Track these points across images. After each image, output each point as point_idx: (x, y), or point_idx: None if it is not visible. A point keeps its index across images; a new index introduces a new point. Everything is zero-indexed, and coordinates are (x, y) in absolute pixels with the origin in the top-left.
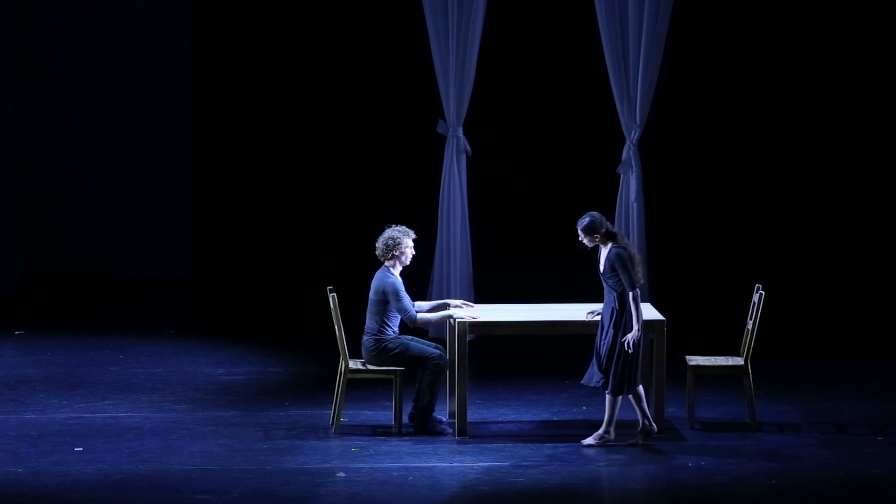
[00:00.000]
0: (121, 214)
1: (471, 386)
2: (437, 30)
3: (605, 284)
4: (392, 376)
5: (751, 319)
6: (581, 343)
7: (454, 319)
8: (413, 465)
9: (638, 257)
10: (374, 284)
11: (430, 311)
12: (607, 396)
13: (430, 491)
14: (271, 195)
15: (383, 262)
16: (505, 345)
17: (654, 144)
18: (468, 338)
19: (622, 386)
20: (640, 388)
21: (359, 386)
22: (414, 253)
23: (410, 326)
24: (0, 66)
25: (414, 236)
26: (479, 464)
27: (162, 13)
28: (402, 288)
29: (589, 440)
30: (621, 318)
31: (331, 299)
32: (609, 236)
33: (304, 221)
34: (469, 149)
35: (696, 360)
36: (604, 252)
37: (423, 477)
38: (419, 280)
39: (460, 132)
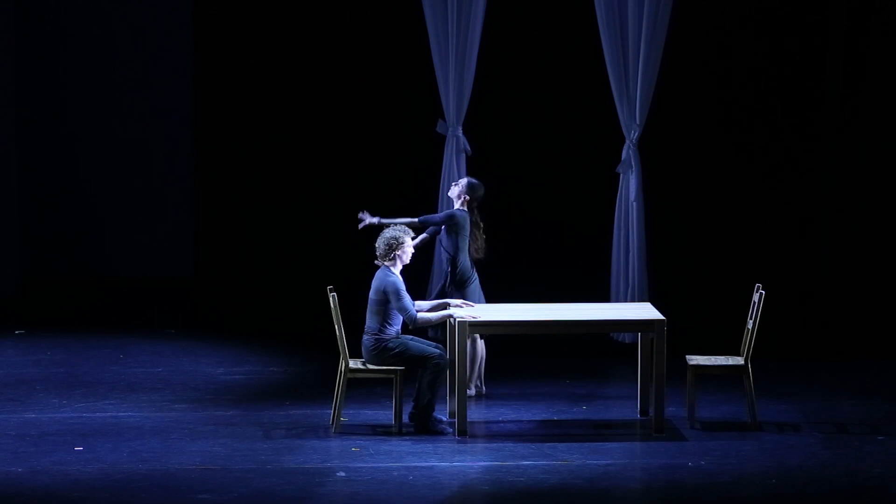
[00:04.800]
0: (121, 214)
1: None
2: (437, 30)
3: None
4: (392, 376)
5: (751, 319)
6: (581, 343)
7: (454, 319)
8: (413, 464)
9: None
10: (374, 284)
11: (430, 310)
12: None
13: (430, 491)
14: (271, 195)
15: (384, 262)
16: (505, 345)
17: (654, 144)
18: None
19: None
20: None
21: (359, 386)
22: (414, 252)
23: (410, 326)
24: (0, 67)
25: (413, 235)
26: (479, 463)
27: (162, 13)
28: (402, 287)
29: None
30: (450, 280)
31: (331, 299)
32: (469, 202)
33: (303, 221)
34: (469, 148)
35: (696, 360)
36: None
37: (423, 477)
38: (419, 280)
39: (460, 132)
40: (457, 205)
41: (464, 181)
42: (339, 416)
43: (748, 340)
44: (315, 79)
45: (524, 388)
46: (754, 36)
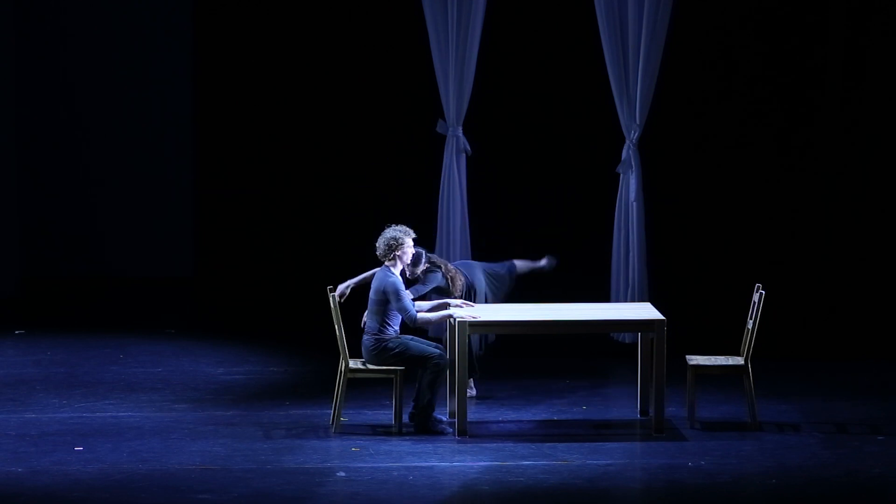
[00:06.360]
0: (121, 214)
1: None
2: (437, 30)
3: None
4: (392, 376)
5: (751, 319)
6: (581, 343)
7: (454, 319)
8: (413, 464)
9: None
10: (374, 284)
11: (430, 310)
12: None
13: (430, 491)
14: (271, 195)
15: (384, 262)
16: (505, 345)
17: (654, 144)
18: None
19: None
20: None
21: (359, 386)
22: (414, 252)
23: (410, 326)
24: (0, 67)
25: (414, 236)
26: (479, 463)
27: (162, 13)
28: (402, 287)
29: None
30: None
31: (331, 299)
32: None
33: (304, 221)
34: (469, 148)
35: (696, 360)
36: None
37: (423, 477)
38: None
39: (460, 132)
40: (420, 269)
41: (412, 257)
42: (339, 416)
43: (748, 340)
44: (315, 79)
45: (524, 388)
46: (754, 36)
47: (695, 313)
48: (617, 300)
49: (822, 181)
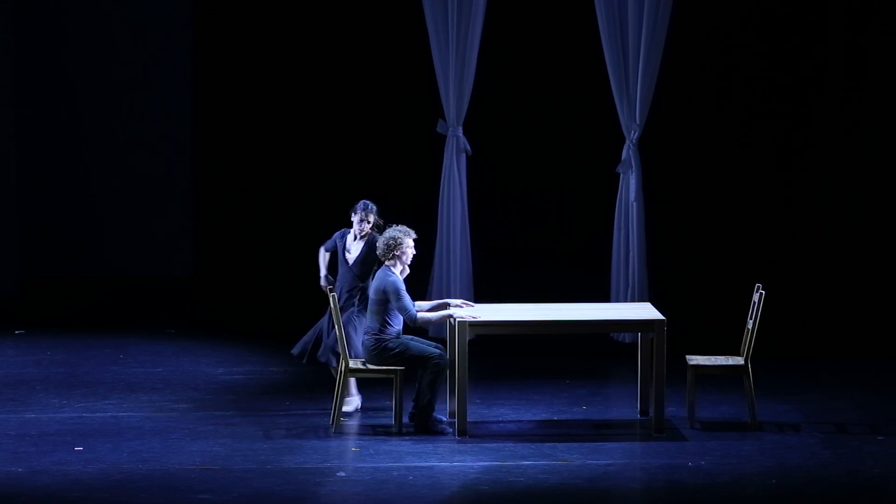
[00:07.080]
0: (121, 214)
1: (471, 386)
2: (437, 30)
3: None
4: (392, 376)
5: (751, 319)
6: (581, 343)
7: (454, 319)
8: (413, 464)
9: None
10: (374, 284)
11: (430, 310)
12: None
13: (430, 491)
14: (271, 195)
15: (384, 262)
16: (505, 345)
17: (654, 144)
18: (468, 337)
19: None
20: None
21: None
22: (415, 252)
23: (411, 326)
24: (0, 67)
25: (414, 236)
26: (479, 463)
27: (162, 13)
28: (402, 287)
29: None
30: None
31: (331, 299)
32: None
33: (303, 221)
34: (469, 148)
35: (696, 359)
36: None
37: (423, 477)
38: (419, 280)
39: (460, 132)
40: (365, 228)
41: (362, 206)
42: (338, 417)
43: (748, 340)
44: (315, 79)
45: (524, 388)
46: (754, 36)
47: (695, 313)
48: (617, 300)
49: (822, 181)
